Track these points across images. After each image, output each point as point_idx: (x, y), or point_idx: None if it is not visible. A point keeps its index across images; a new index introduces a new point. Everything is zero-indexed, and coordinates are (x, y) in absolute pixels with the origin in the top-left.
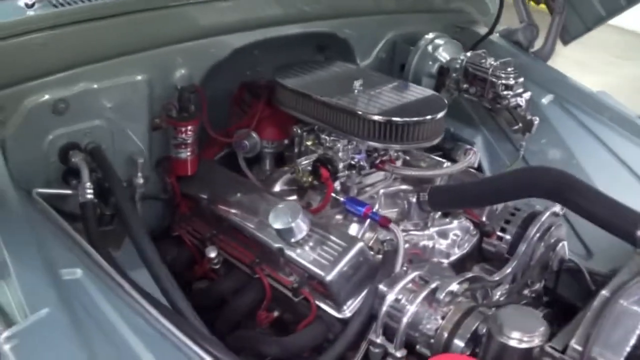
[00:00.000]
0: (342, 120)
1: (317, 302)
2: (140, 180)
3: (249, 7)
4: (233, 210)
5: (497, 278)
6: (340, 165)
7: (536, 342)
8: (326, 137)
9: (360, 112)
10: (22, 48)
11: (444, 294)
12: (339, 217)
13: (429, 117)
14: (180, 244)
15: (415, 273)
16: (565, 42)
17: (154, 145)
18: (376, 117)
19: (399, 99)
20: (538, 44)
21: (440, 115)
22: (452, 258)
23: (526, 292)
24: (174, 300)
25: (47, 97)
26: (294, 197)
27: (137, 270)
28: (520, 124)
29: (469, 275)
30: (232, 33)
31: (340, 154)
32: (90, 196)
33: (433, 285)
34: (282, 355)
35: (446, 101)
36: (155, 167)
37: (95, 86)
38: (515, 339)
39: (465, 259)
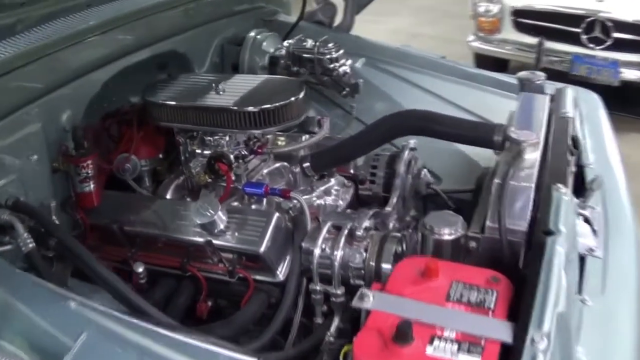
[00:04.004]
0: (221, 119)
1: (253, 276)
2: (57, 222)
3: (105, 42)
4: (148, 225)
5: (389, 209)
6: (232, 157)
7: (460, 232)
8: (210, 138)
9: (235, 108)
10: None
11: (361, 231)
12: (236, 204)
13: (293, 98)
14: None
15: (329, 224)
16: (356, 12)
17: (56, 188)
18: (250, 109)
19: (262, 89)
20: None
21: (302, 94)
22: (339, 210)
23: (408, 218)
24: (145, 309)
25: None
26: (189, 200)
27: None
28: (348, 89)
29: (372, 211)
30: (99, 68)
31: (226, 149)
32: (32, 245)
33: (348, 228)
34: (237, 332)
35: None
36: (61, 208)
37: (2, 144)
38: (446, 234)
39: (349, 208)
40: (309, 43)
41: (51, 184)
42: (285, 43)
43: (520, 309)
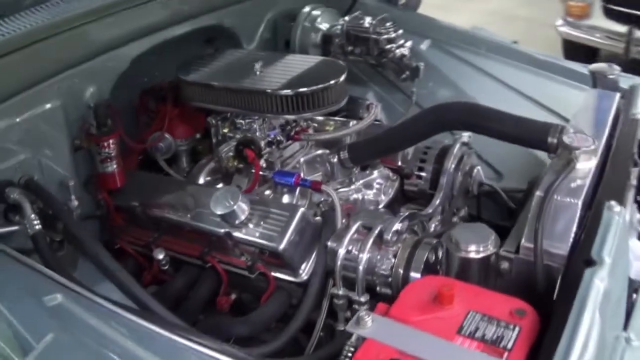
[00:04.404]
0: (254, 102)
1: (274, 273)
2: (75, 203)
3: (137, 16)
4: (170, 210)
5: (430, 211)
6: (262, 144)
7: (491, 249)
8: (241, 121)
9: (269, 91)
10: None
11: (390, 234)
12: (268, 192)
13: (332, 81)
14: (124, 255)
15: (358, 223)
16: None
17: (79, 167)
18: (285, 92)
19: (301, 71)
20: None
21: (342, 77)
22: (381, 205)
23: (455, 219)
24: (145, 301)
25: None
26: (220, 185)
27: (99, 284)
28: (408, 72)
29: (407, 213)
30: (128, 44)
31: (258, 134)
32: (38, 227)
33: (377, 230)
34: (253, 331)
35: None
36: (84, 187)
37: (17, 120)
38: (473, 251)
39: (392, 203)
40: (366, 21)
41: (72, 163)
42: (342, 20)
43: (539, 354)
